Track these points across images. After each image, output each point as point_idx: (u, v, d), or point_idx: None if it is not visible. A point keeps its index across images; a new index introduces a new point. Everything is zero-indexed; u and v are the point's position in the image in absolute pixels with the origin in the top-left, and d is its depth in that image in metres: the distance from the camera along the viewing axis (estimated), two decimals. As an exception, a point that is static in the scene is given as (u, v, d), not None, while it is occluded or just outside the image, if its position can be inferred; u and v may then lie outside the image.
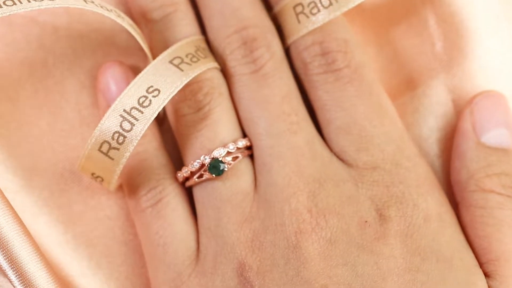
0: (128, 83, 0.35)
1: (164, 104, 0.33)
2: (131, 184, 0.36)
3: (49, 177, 0.37)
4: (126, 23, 0.34)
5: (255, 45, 0.35)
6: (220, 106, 0.35)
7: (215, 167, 0.34)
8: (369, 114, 0.34)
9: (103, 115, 0.34)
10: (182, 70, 0.34)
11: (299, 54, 0.36)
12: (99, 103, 0.37)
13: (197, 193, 0.35)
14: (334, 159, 0.34)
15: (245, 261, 0.33)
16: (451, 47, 0.38)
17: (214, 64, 0.36)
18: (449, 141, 0.37)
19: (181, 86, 0.33)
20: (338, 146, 0.35)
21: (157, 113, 0.33)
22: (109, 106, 0.35)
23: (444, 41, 0.38)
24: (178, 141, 0.36)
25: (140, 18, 0.38)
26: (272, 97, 0.35)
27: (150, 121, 0.33)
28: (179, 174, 0.35)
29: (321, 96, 0.35)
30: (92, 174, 0.35)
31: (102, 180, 0.35)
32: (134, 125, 0.33)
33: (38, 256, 0.34)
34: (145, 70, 0.33)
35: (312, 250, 0.32)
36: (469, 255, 0.33)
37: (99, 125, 0.33)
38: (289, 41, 0.36)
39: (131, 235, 0.37)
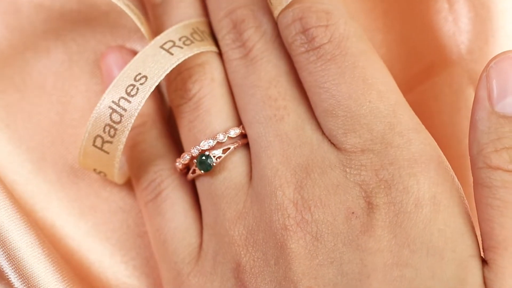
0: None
1: (151, 90, 0.32)
2: (134, 177, 0.35)
3: (59, 170, 0.37)
4: (122, 3, 0.34)
5: (243, 27, 0.34)
6: (211, 94, 0.34)
7: (202, 163, 0.33)
8: (353, 92, 0.32)
9: None
10: (171, 54, 0.33)
11: (282, 33, 0.34)
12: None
13: (198, 186, 0.34)
14: (325, 143, 0.33)
15: (239, 261, 0.32)
16: (473, 31, 0.37)
17: (210, 47, 0.34)
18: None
19: (168, 71, 0.32)
20: (327, 130, 0.33)
21: (144, 101, 0.32)
22: None
23: (467, 25, 0.37)
24: (180, 131, 0.35)
25: (147, 3, 0.37)
26: (258, 82, 0.33)
27: (138, 110, 0.32)
28: (177, 164, 0.34)
29: (305, 77, 0.33)
30: (94, 170, 0.34)
31: (105, 174, 0.34)
32: (123, 116, 0.32)
33: (41, 250, 0.33)
34: (135, 58, 0.33)
35: (298, 248, 0.31)
36: (465, 243, 0.30)
37: (90, 119, 0.32)
38: (275, 17, 0.34)
39: (145, 227, 0.37)
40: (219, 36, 0.35)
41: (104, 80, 0.36)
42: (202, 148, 0.33)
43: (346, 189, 0.31)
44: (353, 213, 0.31)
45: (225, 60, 0.35)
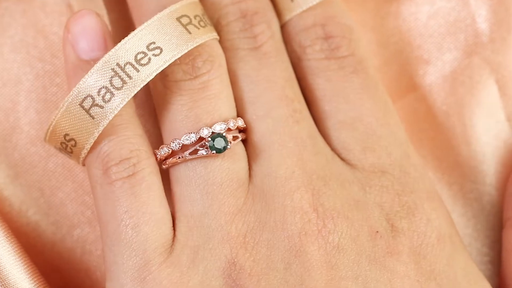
0: (104, 38, 0.32)
1: (165, 66, 0.31)
2: (98, 151, 0.32)
3: (39, 174, 0.36)
4: None
5: (256, 19, 0.33)
6: (220, 78, 0.32)
7: (218, 143, 0.31)
8: (376, 111, 0.32)
9: (69, 70, 0.32)
10: (190, 33, 0.31)
11: (296, 35, 0.34)
12: (66, 54, 0.33)
13: (181, 173, 0.32)
14: (336, 158, 0.32)
15: (235, 260, 0.30)
16: (495, 19, 0.36)
17: (216, 35, 0.33)
18: (495, 126, 0.36)
19: (186, 51, 0.31)
20: (340, 143, 0.32)
21: (154, 74, 0.30)
22: (79, 60, 0.32)
23: (487, 12, 0.36)
24: (159, 111, 0.33)
25: None
26: (275, 78, 0.32)
27: (145, 82, 0.30)
28: (162, 149, 0.32)
29: (321, 84, 0.33)
30: (65, 136, 0.31)
31: (75, 144, 0.31)
32: (126, 83, 0.30)
33: (23, 263, 0.33)
34: (148, 22, 0.31)
35: (318, 256, 0.30)
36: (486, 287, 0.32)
37: (86, 76, 0.30)
38: (282, 20, 0.34)
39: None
40: (223, 22, 0.33)
41: (69, 43, 0.33)
42: (214, 130, 0.31)
43: (367, 207, 0.31)
44: (377, 232, 0.31)
45: (229, 48, 0.33)
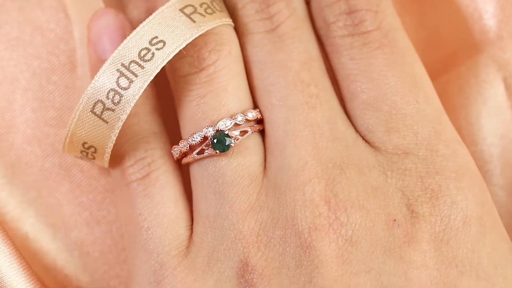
0: (123, 37, 0.32)
1: (169, 58, 0.30)
2: (117, 153, 0.32)
3: (35, 174, 0.35)
4: None
5: None
6: (228, 68, 0.31)
7: (220, 141, 0.30)
8: (401, 88, 0.31)
9: (93, 72, 0.31)
10: (194, 22, 0.31)
11: (321, 11, 0.32)
12: (88, 57, 0.33)
13: (196, 172, 0.32)
14: (360, 141, 0.31)
15: (248, 260, 0.30)
16: (502, 14, 0.35)
17: (229, 20, 0.32)
18: (502, 126, 0.35)
19: (190, 40, 0.30)
20: (364, 125, 0.31)
21: (160, 68, 0.30)
22: (100, 61, 0.32)
23: (494, 9, 0.35)
24: (176, 108, 0.32)
25: None
26: (290, 62, 0.31)
27: (151, 77, 0.30)
28: (175, 149, 0.32)
29: (345, 63, 0.32)
30: (84, 144, 0.31)
31: (95, 151, 0.31)
32: (132, 81, 0.30)
33: (19, 265, 0.33)
34: (150, 18, 0.30)
35: (329, 251, 0.29)
36: None
37: (93, 81, 0.30)
38: None
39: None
40: (239, 5, 0.32)
41: (91, 44, 0.33)
42: (218, 128, 0.31)
43: (386, 193, 0.30)
44: (394, 220, 0.30)
45: (244, 32, 0.32)
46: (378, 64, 0.31)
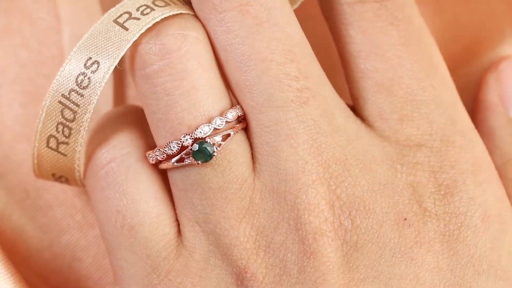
0: None
1: (105, 80, 0.29)
2: (89, 142, 0.32)
3: (23, 174, 0.35)
4: None
5: None
6: (196, 59, 0.29)
7: (202, 151, 0.29)
8: (418, 72, 0.30)
9: None
10: (126, 30, 0.29)
11: None
12: None
13: (176, 178, 0.30)
14: (363, 131, 0.30)
15: (246, 266, 0.29)
16: None
17: (180, 10, 0.29)
18: None
19: (122, 53, 0.29)
20: (376, 109, 0.30)
21: (98, 93, 0.29)
22: None
23: None
24: (144, 110, 0.31)
25: None
26: (271, 53, 0.29)
27: (93, 105, 0.29)
28: (150, 155, 0.30)
29: (355, 37, 0.30)
30: (53, 175, 0.31)
31: (67, 180, 0.32)
32: (76, 112, 0.29)
33: (7, 271, 0.32)
34: (84, 37, 0.29)
35: (334, 258, 0.28)
36: None
37: (39, 116, 0.30)
38: None
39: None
40: None
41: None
42: (196, 136, 0.29)
43: (395, 189, 0.29)
44: (405, 219, 0.29)
45: (210, 18, 0.29)
46: (393, 42, 0.30)
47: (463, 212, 0.29)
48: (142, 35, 0.29)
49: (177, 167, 0.29)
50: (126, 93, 0.35)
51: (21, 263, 0.34)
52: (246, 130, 0.30)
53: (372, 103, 0.30)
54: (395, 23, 0.30)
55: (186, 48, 0.28)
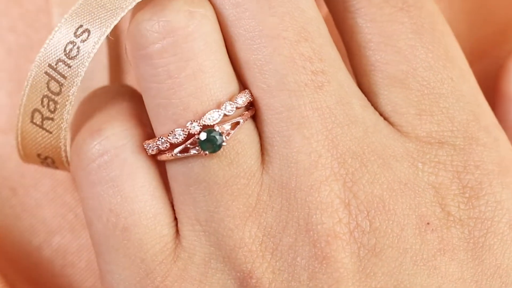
0: None
1: (94, 51, 0.28)
2: (76, 130, 0.31)
3: (11, 169, 0.34)
4: None
5: None
6: (203, 37, 0.28)
7: (210, 140, 0.28)
8: (434, 62, 0.29)
9: None
10: None
11: None
12: None
13: (177, 171, 0.29)
14: (382, 124, 0.29)
15: (251, 271, 0.28)
16: None
17: None
18: None
19: (115, 22, 0.28)
20: (389, 104, 0.29)
21: (86, 64, 0.29)
22: None
23: None
24: (142, 94, 0.30)
25: None
26: (283, 31, 0.28)
27: (80, 77, 0.29)
28: (150, 145, 0.29)
29: (363, 26, 0.29)
30: (38, 155, 0.31)
31: (54, 161, 0.31)
32: (62, 85, 0.29)
33: None
34: (77, 3, 0.29)
35: (349, 264, 0.28)
36: None
37: (24, 88, 0.30)
38: None
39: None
40: None
41: None
42: (204, 123, 0.28)
43: (417, 190, 0.29)
44: (428, 224, 0.28)
45: None
46: (405, 30, 0.29)
47: (489, 218, 0.29)
48: (144, 11, 0.27)
49: (179, 159, 0.28)
50: (124, 80, 0.34)
51: (8, 268, 0.34)
52: (255, 118, 0.29)
53: (385, 97, 0.29)
54: (405, 9, 0.29)
55: (194, 26, 0.27)
